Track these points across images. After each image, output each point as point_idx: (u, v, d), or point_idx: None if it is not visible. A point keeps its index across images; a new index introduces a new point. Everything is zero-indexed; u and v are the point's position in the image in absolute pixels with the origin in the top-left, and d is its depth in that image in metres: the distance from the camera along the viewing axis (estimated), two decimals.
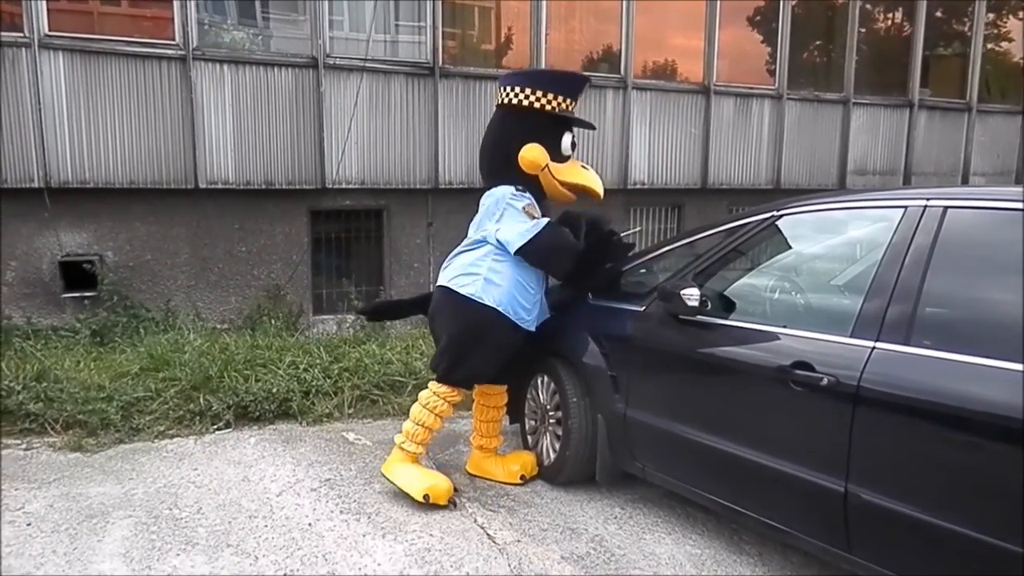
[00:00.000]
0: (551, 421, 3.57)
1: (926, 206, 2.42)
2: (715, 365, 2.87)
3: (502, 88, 3.47)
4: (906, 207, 2.48)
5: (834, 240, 3.03)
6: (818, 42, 9.26)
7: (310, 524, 3.09)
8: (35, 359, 4.49)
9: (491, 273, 3.29)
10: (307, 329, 6.28)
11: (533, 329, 3.39)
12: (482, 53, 7.64)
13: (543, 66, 7.18)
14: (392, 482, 3.33)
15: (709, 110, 8.10)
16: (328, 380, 4.52)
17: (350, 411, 4.39)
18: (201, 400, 4.18)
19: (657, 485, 3.23)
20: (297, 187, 6.43)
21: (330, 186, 6.50)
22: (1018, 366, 2.02)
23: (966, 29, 9.59)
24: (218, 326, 6.04)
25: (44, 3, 5.56)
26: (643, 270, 3.53)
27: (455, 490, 3.35)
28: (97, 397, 4.07)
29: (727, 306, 2.98)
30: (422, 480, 3.27)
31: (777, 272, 3.07)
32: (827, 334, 2.52)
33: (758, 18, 8.68)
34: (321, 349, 4.94)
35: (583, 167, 3.53)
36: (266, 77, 6.26)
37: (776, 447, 2.61)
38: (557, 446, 3.50)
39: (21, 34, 5.51)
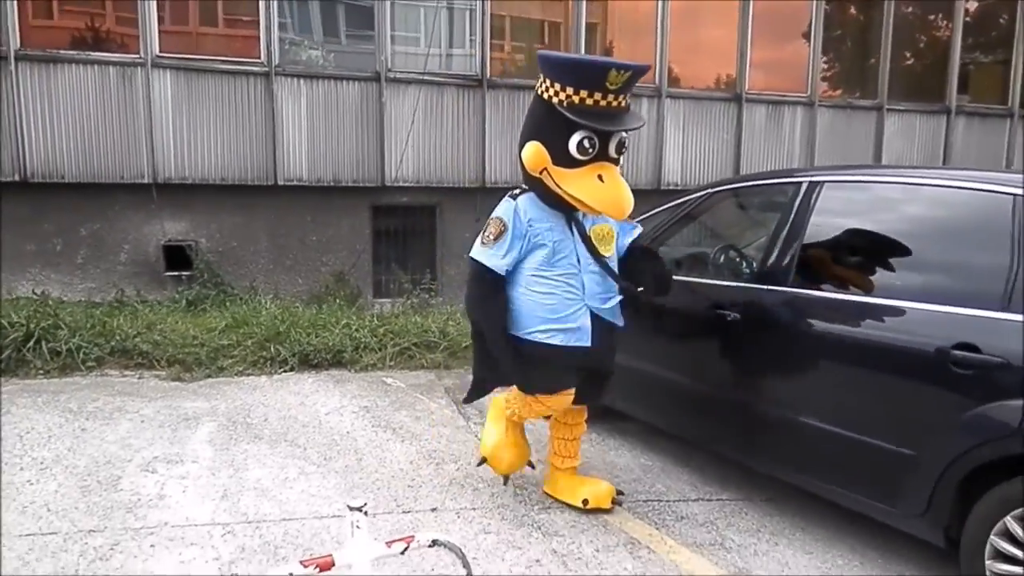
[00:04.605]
0: None
1: (809, 182, 3.12)
2: (662, 311, 3.60)
3: None
4: (799, 183, 3.18)
5: (756, 212, 3.72)
6: (851, 48, 9.63)
7: (347, 432, 3.98)
8: (145, 317, 5.58)
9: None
10: (367, 309, 7.22)
11: (579, 343, 2.89)
12: (526, 65, 8.47)
13: None
14: (557, 498, 3.23)
15: (741, 116, 8.67)
16: (375, 339, 5.44)
17: (391, 363, 5.28)
18: (272, 349, 5.16)
19: (626, 415, 3.96)
20: (361, 184, 7.41)
21: (389, 184, 7.45)
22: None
23: (1007, 35, 9.76)
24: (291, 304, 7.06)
25: (156, 28, 6.73)
26: None
27: (619, 492, 3.24)
28: (192, 344, 5.12)
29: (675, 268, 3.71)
30: (584, 489, 3.15)
31: (711, 239, 3.78)
32: (735, 283, 3.26)
33: (790, 26, 9.11)
34: (373, 317, 5.87)
35: (602, 177, 2.77)
36: (336, 89, 7.27)
37: (695, 371, 3.34)
38: None
39: (137, 55, 6.70)
